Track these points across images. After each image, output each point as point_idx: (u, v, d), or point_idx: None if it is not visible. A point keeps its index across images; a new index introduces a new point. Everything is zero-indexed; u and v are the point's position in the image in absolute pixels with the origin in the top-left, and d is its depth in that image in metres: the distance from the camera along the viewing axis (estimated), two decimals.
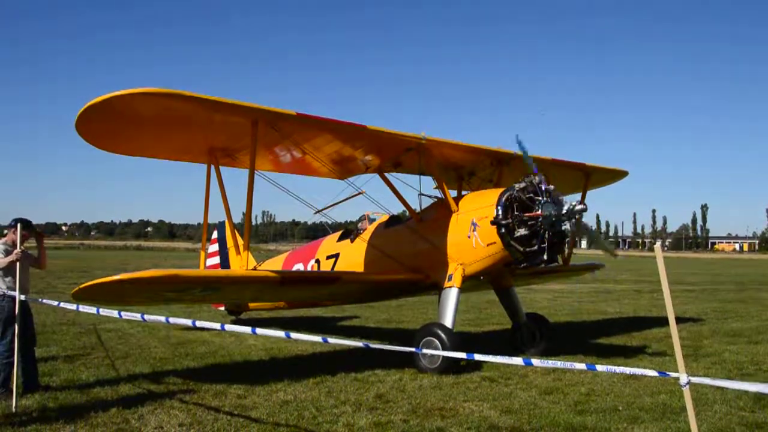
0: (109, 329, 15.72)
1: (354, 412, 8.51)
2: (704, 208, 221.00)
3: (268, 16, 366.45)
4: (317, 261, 14.80)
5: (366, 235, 13.68)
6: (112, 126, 10.31)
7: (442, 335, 11.01)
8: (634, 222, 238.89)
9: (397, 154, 12.55)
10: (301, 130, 11.19)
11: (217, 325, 7.54)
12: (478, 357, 5.57)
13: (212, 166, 11.79)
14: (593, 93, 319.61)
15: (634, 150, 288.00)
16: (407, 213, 13.35)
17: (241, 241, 12.17)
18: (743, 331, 16.91)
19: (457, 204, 12.38)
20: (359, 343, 6.87)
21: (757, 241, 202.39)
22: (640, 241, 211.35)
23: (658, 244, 4.30)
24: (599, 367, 5.16)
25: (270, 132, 10.90)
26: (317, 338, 6.85)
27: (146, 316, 7.96)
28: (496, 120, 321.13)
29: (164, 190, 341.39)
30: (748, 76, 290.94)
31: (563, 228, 11.24)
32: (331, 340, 6.81)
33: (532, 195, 11.37)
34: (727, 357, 12.92)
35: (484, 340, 15.53)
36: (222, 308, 17.94)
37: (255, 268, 11.83)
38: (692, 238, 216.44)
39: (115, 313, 8.07)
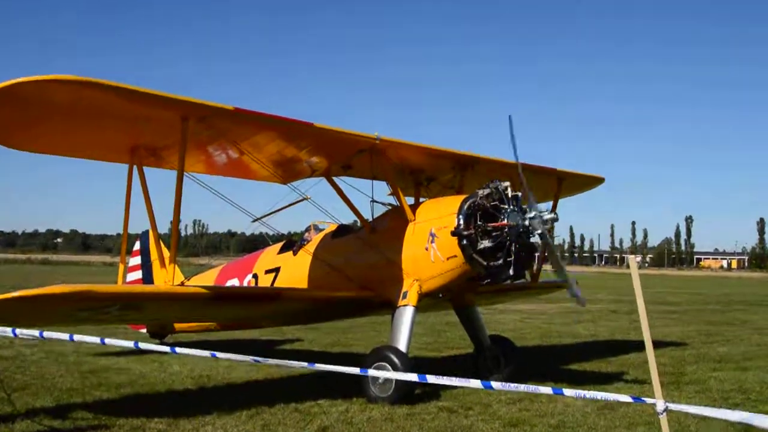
0: (4, 356, 15.35)
1: None
2: (689, 221, 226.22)
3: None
4: (255, 276, 14.74)
5: (311, 247, 13.69)
6: (18, 118, 10.12)
7: (395, 360, 11.06)
8: (612, 235, 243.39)
9: (347, 155, 12.61)
10: (238, 127, 11.16)
11: (129, 343, 7.43)
12: (431, 379, 5.64)
13: (135, 167, 11.67)
14: (566, 94, 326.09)
15: (612, 156, 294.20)
16: (358, 222, 13.41)
17: (167, 253, 12.06)
18: (730, 357, 17.34)
19: (413, 212, 12.48)
20: (298, 363, 6.88)
21: (746, 258, 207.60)
22: (618, 256, 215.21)
23: (632, 257, 4.43)
24: (567, 392, 5.28)
25: (203, 129, 10.85)
26: (246, 357, 6.83)
27: (45, 333, 7.79)
28: (461, 121, 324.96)
29: (77, 195, 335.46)
30: (737, 79, 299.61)
31: (532, 240, 11.43)
32: (265, 360, 6.80)
33: (497, 203, 11.51)
34: (713, 385, 13.25)
35: (442, 365, 15.63)
36: (143, 330, 17.73)
37: (182, 283, 11.72)
38: (675, 254, 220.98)
39: (8, 331, 7.90)
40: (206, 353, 6.95)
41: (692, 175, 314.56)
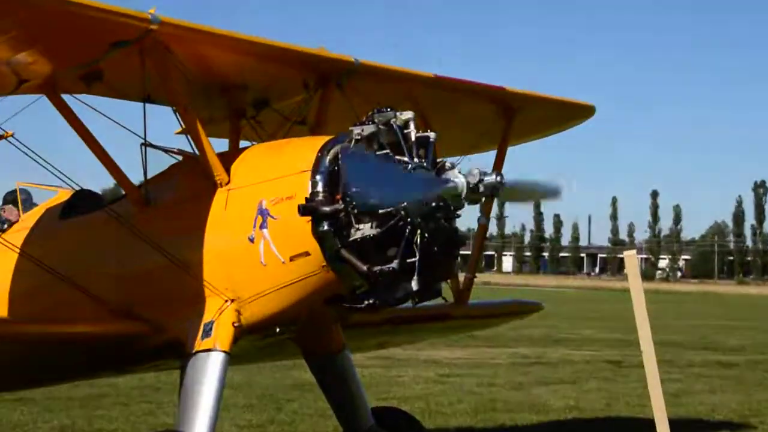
0: None
1: None
2: (760, 190, 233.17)
3: None
4: None
5: (15, 236, 13.66)
6: None
7: None
8: (614, 218, 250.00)
9: (92, 53, 12.42)
10: None
11: None
12: None
13: None
14: None
15: (614, 79, 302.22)
16: (117, 186, 13.35)
17: None
18: None
19: (227, 168, 12.46)
20: None
21: None
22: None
23: (630, 253, 4.42)
24: None
25: None
26: None
27: None
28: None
29: None
30: None
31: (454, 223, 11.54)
32: None
33: (388, 152, 11.51)
34: None
35: None
36: None
37: None
38: (734, 253, 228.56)
39: None
40: None
41: (762, 104, 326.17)
